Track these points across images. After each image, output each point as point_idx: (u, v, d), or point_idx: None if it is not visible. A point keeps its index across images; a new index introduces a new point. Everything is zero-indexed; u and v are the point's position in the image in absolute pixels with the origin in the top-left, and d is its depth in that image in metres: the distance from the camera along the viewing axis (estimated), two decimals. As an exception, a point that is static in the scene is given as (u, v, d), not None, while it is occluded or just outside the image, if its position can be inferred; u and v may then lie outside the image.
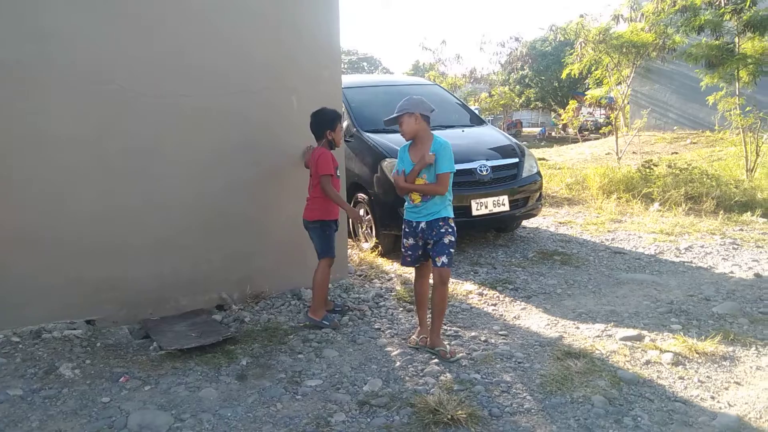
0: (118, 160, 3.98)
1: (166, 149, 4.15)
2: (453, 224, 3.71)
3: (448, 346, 3.70)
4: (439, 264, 3.66)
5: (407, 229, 3.77)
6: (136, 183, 4.06)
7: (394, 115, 3.71)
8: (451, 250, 3.69)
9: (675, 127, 17.51)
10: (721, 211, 7.58)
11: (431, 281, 3.77)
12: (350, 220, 6.20)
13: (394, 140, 5.61)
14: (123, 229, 4.04)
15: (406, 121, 3.66)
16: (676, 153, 13.94)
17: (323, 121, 4.18)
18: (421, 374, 3.39)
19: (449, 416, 2.82)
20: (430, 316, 3.77)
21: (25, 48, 3.64)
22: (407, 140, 3.76)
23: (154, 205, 4.13)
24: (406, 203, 3.81)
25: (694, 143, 15.36)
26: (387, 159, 5.75)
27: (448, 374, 3.38)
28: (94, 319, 4.03)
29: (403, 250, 3.84)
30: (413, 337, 3.85)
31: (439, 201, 3.67)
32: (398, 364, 3.55)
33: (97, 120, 3.89)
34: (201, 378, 3.38)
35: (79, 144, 3.85)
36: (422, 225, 3.68)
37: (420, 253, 3.78)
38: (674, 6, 10.52)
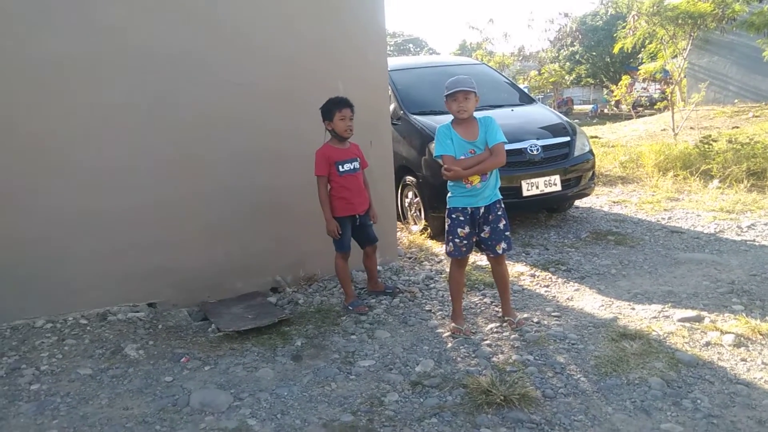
0: (167, 152, 4.11)
1: (217, 139, 4.26)
2: None
3: (518, 315, 3.84)
4: (500, 252, 3.64)
5: (462, 217, 3.58)
6: (187, 174, 4.19)
7: (468, 88, 3.48)
8: (508, 234, 3.65)
9: (736, 100, 16.77)
10: (786, 187, 7.25)
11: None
12: (400, 202, 6.24)
13: (441, 122, 5.55)
14: (176, 218, 4.18)
15: (473, 101, 3.54)
16: (737, 127, 13.35)
17: (323, 110, 4.06)
18: (473, 355, 3.40)
19: (502, 397, 2.82)
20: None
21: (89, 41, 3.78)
22: (463, 118, 3.55)
23: (205, 194, 4.26)
24: (454, 189, 3.63)
25: (757, 116, 14.66)
26: (435, 141, 5.72)
27: (500, 355, 3.37)
28: (156, 302, 4.20)
29: (455, 240, 3.62)
30: (456, 326, 3.72)
31: (495, 182, 3.61)
32: (450, 345, 3.56)
33: (150, 111, 4.02)
34: (258, 358, 3.48)
35: (134, 135, 4.00)
36: (481, 210, 3.58)
37: (473, 240, 3.67)
38: (734, -27, 10.05)
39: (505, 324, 3.78)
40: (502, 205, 3.66)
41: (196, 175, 4.21)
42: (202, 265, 4.29)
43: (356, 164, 4.15)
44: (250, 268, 4.47)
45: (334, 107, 4.03)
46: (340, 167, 4.07)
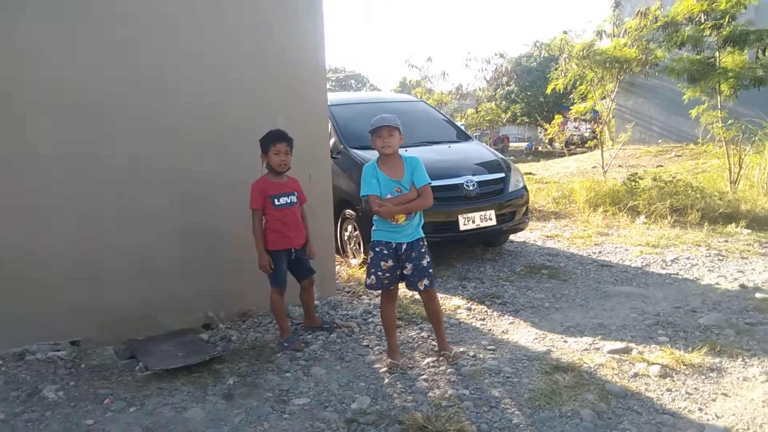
0: (98, 180, 3.97)
1: (149, 169, 4.14)
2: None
3: (454, 350, 3.85)
4: (422, 288, 3.68)
5: (386, 251, 3.62)
6: (116, 203, 4.04)
7: (393, 124, 3.57)
8: (431, 271, 3.68)
9: (659, 141, 17.69)
10: (706, 223, 7.64)
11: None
12: (339, 236, 6.22)
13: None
14: (104, 250, 4.01)
15: (397, 138, 3.62)
16: (661, 166, 14.08)
17: (260, 143, 4.03)
18: (409, 391, 3.37)
19: (438, 433, 2.80)
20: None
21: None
22: (388, 154, 3.61)
23: (134, 227, 4.12)
24: (378, 224, 3.67)
25: (679, 156, 15.52)
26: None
27: (436, 390, 3.36)
28: (79, 340, 3.99)
29: (378, 273, 3.64)
30: (392, 361, 3.70)
31: (418, 221, 3.68)
32: (387, 381, 3.53)
33: (75, 140, 3.88)
34: (187, 398, 3.34)
35: (58, 164, 3.84)
36: (404, 246, 3.62)
37: (397, 274, 3.69)
38: (656, 22, 10.69)
39: (441, 358, 3.78)
40: (425, 243, 3.70)
41: (123, 208, 4.07)
42: (129, 300, 4.11)
43: (293, 198, 4.11)
44: (180, 303, 4.32)
45: (269, 141, 4.00)
46: (276, 201, 4.02)
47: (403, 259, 3.63)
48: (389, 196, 3.58)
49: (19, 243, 3.75)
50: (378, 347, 4.06)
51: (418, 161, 3.66)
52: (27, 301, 3.79)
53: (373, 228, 3.71)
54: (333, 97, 7.15)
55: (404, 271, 3.66)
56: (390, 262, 3.63)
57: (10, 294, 3.74)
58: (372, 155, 5.96)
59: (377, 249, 3.65)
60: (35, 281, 3.80)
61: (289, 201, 4.08)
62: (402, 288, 5.11)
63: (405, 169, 3.62)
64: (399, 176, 3.61)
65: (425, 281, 3.66)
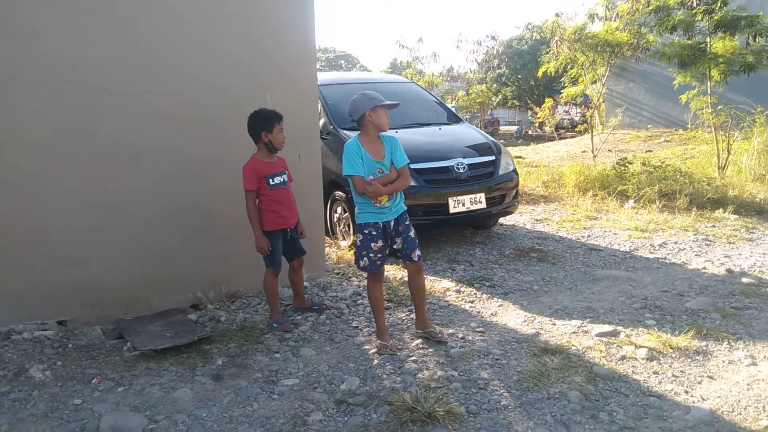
0: (86, 160, 3.91)
1: (135, 149, 4.08)
2: None
3: (436, 327, 3.90)
4: (416, 258, 3.71)
5: (374, 232, 3.61)
6: (104, 183, 3.99)
7: (391, 102, 3.60)
8: (417, 242, 3.74)
9: (649, 126, 17.76)
10: (694, 208, 7.70)
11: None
12: (329, 217, 6.19)
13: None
14: (91, 229, 3.96)
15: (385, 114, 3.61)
16: (650, 151, 14.14)
17: (256, 123, 3.92)
18: (398, 372, 3.38)
19: (426, 414, 2.81)
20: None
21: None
22: (385, 131, 3.63)
23: (123, 206, 4.07)
24: (362, 206, 3.64)
25: (668, 141, 15.59)
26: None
27: (425, 372, 3.37)
28: (66, 320, 3.95)
29: (370, 255, 3.62)
30: (382, 342, 3.72)
31: (400, 197, 3.71)
32: (376, 362, 3.54)
33: (64, 119, 3.81)
34: (176, 378, 3.33)
35: (47, 144, 3.77)
36: (392, 223, 3.64)
37: (387, 252, 3.71)
38: (648, 6, 10.64)
39: (429, 339, 3.79)
40: (408, 216, 3.75)
41: (111, 186, 4.01)
42: (117, 280, 4.08)
43: (285, 177, 4.08)
44: (169, 283, 4.29)
45: (274, 119, 3.93)
46: (271, 180, 3.97)
47: (392, 235, 3.66)
48: (371, 177, 3.56)
49: (6, 222, 3.69)
50: (367, 329, 4.06)
51: (396, 141, 3.67)
52: (14, 281, 3.74)
53: (358, 211, 3.68)
54: (323, 77, 7.08)
55: (395, 246, 3.69)
56: (380, 243, 3.64)
57: (-5, 273, 3.69)
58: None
59: (366, 231, 3.64)
60: (22, 261, 3.76)
61: (282, 180, 4.05)
62: (391, 270, 5.13)
63: (385, 149, 3.63)
64: (381, 156, 3.61)
65: (417, 251, 3.71)
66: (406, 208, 3.74)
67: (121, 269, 4.09)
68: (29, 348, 3.63)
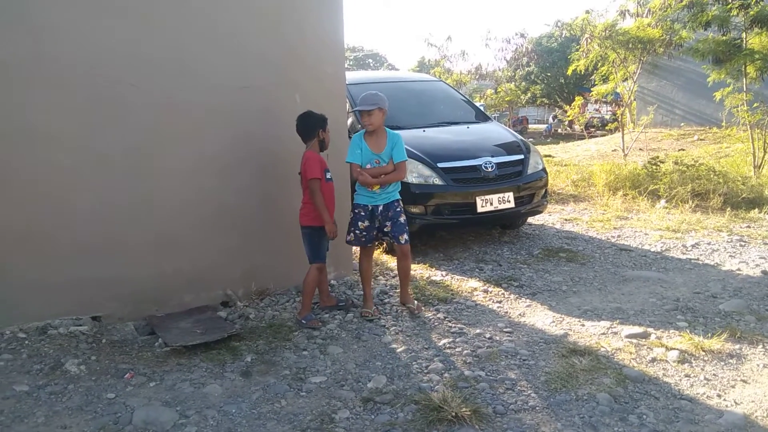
0: (118, 158, 3.98)
1: (167, 147, 4.15)
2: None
3: (416, 302, 4.35)
4: (402, 242, 4.16)
5: (362, 213, 4.14)
6: (136, 181, 4.06)
7: (368, 108, 4.01)
8: (407, 228, 4.19)
9: (682, 124, 17.39)
10: (728, 208, 7.53)
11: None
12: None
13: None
14: (123, 226, 4.04)
15: (377, 115, 4.05)
16: (683, 149, 13.86)
17: (314, 122, 4.12)
18: (425, 371, 3.39)
19: (453, 413, 2.81)
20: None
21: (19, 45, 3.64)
22: (371, 130, 4.10)
23: (155, 203, 4.13)
24: (359, 189, 4.16)
25: (701, 140, 15.25)
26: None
27: (452, 371, 3.37)
28: (100, 316, 4.04)
29: (356, 231, 4.19)
30: (365, 310, 4.24)
31: (393, 186, 4.16)
32: (403, 360, 3.55)
33: (94, 118, 3.88)
34: (206, 374, 3.39)
35: (78, 142, 3.85)
36: (380, 208, 4.10)
37: (374, 233, 4.19)
38: (681, 2, 10.44)
39: (407, 312, 4.27)
40: (401, 204, 4.21)
41: (145, 183, 4.08)
42: (150, 277, 4.16)
43: (331, 175, 4.22)
44: (199, 281, 4.36)
45: (325, 121, 4.18)
46: (327, 174, 4.14)
47: (380, 219, 4.14)
48: (369, 166, 4.09)
49: (42, 220, 3.79)
50: (394, 327, 4.07)
51: (399, 138, 4.14)
52: (50, 277, 3.84)
53: (355, 192, 4.21)
54: (351, 76, 7.11)
55: (384, 229, 4.16)
56: (366, 222, 4.15)
57: (33, 270, 3.79)
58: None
59: (356, 211, 4.19)
60: (57, 257, 3.85)
61: (331, 177, 4.21)
62: (420, 269, 5.15)
63: (387, 144, 4.10)
64: (380, 149, 4.09)
65: (405, 236, 4.15)
66: (399, 197, 4.20)
67: (153, 267, 4.17)
68: (65, 342, 3.73)
